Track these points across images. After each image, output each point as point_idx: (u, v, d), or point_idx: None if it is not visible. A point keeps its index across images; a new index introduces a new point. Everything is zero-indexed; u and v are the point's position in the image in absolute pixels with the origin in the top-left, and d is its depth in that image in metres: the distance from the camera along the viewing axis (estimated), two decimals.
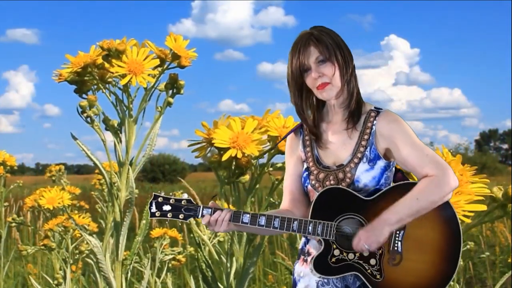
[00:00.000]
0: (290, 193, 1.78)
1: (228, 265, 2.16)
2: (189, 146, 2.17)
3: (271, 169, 2.19)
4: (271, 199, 2.32)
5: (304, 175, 1.74)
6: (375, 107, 1.72)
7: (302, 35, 1.69)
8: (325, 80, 1.65)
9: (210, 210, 1.67)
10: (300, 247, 1.79)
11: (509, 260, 5.09)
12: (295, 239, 3.37)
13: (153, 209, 1.71)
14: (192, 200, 1.71)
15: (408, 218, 1.60)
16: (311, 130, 1.75)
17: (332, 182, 1.68)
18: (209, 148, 2.14)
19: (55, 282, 3.23)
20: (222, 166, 2.08)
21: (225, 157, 2.01)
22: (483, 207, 1.91)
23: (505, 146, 55.00)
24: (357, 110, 1.70)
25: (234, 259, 2.15)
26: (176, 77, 2.21)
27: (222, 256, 2.22)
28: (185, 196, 1.72)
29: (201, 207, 1.68)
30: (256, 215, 1.67)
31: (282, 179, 2.25)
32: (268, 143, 2.12)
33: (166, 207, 1.71)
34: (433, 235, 1.64)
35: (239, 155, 2.01)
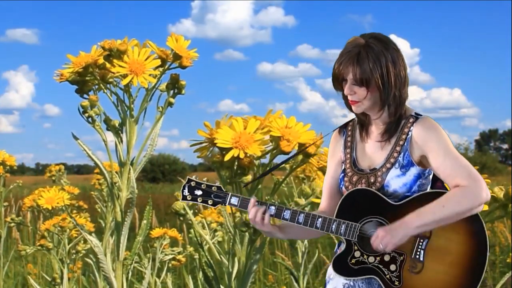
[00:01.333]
0: (329, 195, 1.78)
1: (230, 265, 2.15)
2: (191, 146, 2.16)
3: None
4: (272, 199, 2.31)
5: (341, 176, 1.74)
6: (415, 113, 1.69)
7: (352, 47, 1.64)
8: (355, 99, 1.65)
9: (238, 198, 1.70)
10: (335, 249, 1.78)
11: (509, 260, 5.08)
12: (295, 240, 3.35)
13: (186, 192, 1.76)
14: (222, 188, 1.74)
15: (431, 225, 1.56)
16: (359, 117, 1.74)
17: (363, 185, 1.66)
18: (211, 148, 2.13)
19: (53, 282, 3.23)
20: (224, 166, 2.07)
21: (227, 157, 2.00)
22: (485, 207, 1.90)
23: (505, 146, 55.05)
24: (395, 125, 1.67)
25: (236, 259, 2.14)
26: (177, 77, 2.20)
27: (222, 257, 2.21)
28: (217, 183, 1.76)
29: (229, 194, 1.72)
30: (282, 208, 1.67)
31: (284, 179, 2.25)
32: (271, 143, 2.11)
33: (198, 192, 1.75)
34: (458, 248, 1.60)
35: (242, 155, 2.00)
